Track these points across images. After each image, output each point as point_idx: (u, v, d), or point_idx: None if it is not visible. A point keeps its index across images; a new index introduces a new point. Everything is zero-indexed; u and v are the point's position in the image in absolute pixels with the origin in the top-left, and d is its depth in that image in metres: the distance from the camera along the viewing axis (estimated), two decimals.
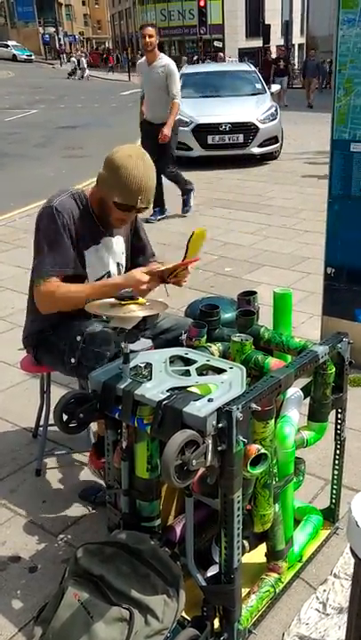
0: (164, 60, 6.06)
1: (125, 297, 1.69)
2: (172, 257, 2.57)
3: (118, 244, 2.29)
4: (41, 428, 2.60)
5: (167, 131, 6.00)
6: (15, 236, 6.07)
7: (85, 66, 32.85)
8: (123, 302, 1.69)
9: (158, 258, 2.52)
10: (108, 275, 2.25)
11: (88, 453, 2.40)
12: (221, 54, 25.07)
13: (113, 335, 2.06)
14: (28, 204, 7.31)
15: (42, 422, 2.57)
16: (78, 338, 2.11)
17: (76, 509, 2.31)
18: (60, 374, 2.49)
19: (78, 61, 33.37)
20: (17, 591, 1.97)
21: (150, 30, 5.90)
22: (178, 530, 1.83)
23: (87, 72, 32.51)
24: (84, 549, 1.69)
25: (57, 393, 2.51)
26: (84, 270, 2.17)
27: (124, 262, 2.34)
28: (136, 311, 1.68)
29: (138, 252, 2.42)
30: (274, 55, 20.64)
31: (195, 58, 29.43)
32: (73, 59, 33.30)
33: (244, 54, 22.09)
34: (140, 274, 2.03)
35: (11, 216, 6.95)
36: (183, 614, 1.69)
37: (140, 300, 1.72)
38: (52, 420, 2.31)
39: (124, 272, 2.32)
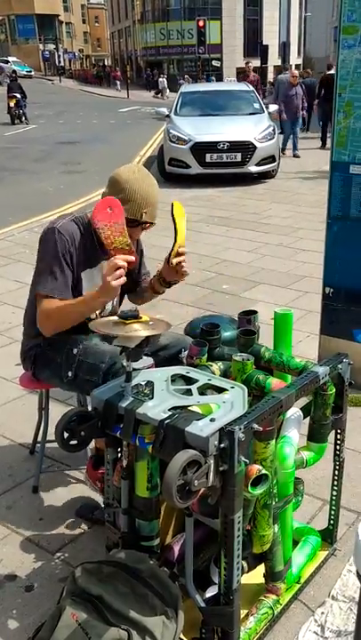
0: None
1: (129, 316, 1.69)
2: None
3: None
4: (38, 445, 2.59)
5: None
6: (14, 250, 6.08)
7: (165, 86, 35.61)
8: (126, 321, 1.70)
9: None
10: None
11: (85, 468, 2.39)
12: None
13: (108, 348, 2.09)
14: (26, 219, 7.35)
15: (39, 439, 2.56)
16: (75, 351, 2.13)
17: (74, 527, 2.30)
18: (59, 391, 2.49)
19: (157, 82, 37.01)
20: (13, 610, 1.95)
21: None
22: (176, 549, 1.82)
23: (167, 92, 35.12)
24: (83, 568, 1.67)
25: (55, 409, 2.52)
26: (81, 294, 2.18)
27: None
28: (139, 330, 1.68)
29: (135, 282, 2.44)
30: (271, 74, 17.93)
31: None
32: (161, 79, 36.59)
33: (239, 74, 22.06)
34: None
35: (9, 230, 6.97)
36: (182, 636, 1.68)
37: (144, 318, 1.72)
38: (49, 437, 2.31)
39: (120, 297, 2.34)
